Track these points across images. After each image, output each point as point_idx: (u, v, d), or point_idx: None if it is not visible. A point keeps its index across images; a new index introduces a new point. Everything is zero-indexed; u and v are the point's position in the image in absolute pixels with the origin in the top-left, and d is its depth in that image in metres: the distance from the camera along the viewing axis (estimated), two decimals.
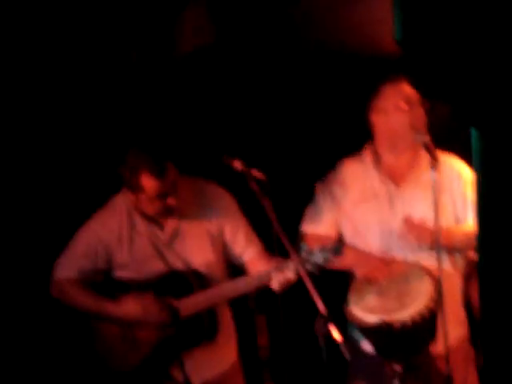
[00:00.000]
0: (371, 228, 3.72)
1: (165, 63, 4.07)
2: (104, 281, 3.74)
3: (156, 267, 3.69)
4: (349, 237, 3.77)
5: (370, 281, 3.61)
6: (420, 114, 3.69)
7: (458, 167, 3.73)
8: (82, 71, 4.13)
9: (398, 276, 3.60)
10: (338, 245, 3.50)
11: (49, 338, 4.30)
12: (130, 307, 3.62)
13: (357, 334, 3.68)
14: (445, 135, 3.75)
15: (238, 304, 3.80)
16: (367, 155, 3.80)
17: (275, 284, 3.52)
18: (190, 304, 3.62)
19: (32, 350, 4.29)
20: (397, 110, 3.66)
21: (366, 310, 3.51)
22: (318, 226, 3.79)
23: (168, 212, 3.63)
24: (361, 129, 3.84)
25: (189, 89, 4.24)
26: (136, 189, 3.56)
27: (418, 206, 3.68)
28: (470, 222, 3.64)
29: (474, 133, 2.69)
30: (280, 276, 3.50)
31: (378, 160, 3.77)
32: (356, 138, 3.97)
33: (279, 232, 3.39)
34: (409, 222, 3.63)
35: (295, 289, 3.48)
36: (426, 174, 3.64)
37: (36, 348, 4.30)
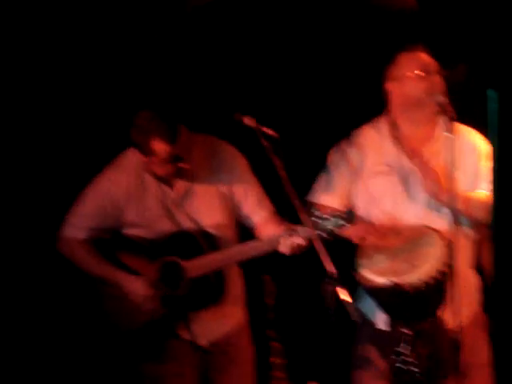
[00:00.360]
0: (385, 198, 3.66)
1: (176, 16, 4.02)
2: (112, 237, 3.72)
3: (165, 226, 3.66)
4: (363, 204, 3.71)
5: (379, 245, 3.57)
6: (437, 82, 3.60)
7: (474, 140, 3.64)
8: (95, 25, 4.08)
9: (409, 238, 3.55)
10: (350, 212, 3.46)
11: (56, 292, 4.31)
12: (138, 289, 3.60)
13: (366, 306, 3.65)
14: (459, 106, 3.68)
15: (247, 263, 3.75)
16: (384, 124, 3.73)
17: (285, 248, 3.49)
18: (197, 265, 3.59)
19: (39, 307, 4.30)
20: (413, 78, 3.58)
21: (376, 272, 3.46)
22: (329, 196, 3.72)
23: (179, 174, 3.59)
24: (376, 95, 3.78)
25: (201, 43, 4.17)
26: (147, 152, 3.52)
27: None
28: (477, 194, 3.56)
29: (491, 94, 2.66)
30: (290, 241, 3.47)
31: (394, 130, 3.70)
32: (371, 103, 3.93)
33: (290, 192, 3.35)
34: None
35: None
36: (439, 144, 3.58)
37: (43, 304, 4.31)
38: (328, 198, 3.71)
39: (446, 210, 3.52)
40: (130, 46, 4.14)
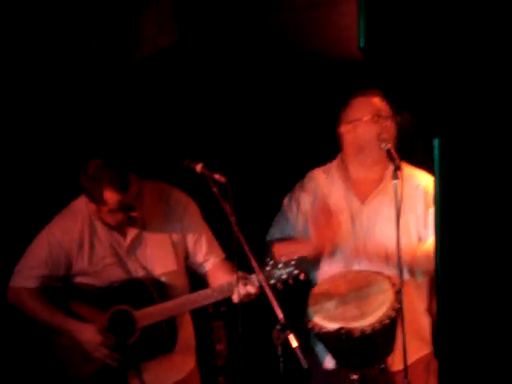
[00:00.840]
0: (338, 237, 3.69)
1: (127, 64, 4.02)
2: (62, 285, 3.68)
3: (116, 275, 3.64)
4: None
5: (329, 292, 3.59)
6: (389, 127, 3.67)
7: (425, 183, 3.69)
8: (42, 71, 4.06)
9: (358, 284, 3.58)
10: (302, 261, 3.47)
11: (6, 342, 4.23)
12: (89, 337, 3.56)
13: (319, 351, 3.66)
14: (409, 148, 3.74)
15: (197, 310, 3.74)
16: (335, 167, 3.80)
17: (236, 297, 3.48)
18: (149, 314, 3.57)
19: None
20: (365, 122, 3.65)
21: (325, 317, 3.48)
22: (287, 232, 3.78)
23: (130, 223, 3.59)
24: (329, 138, 3.82)
25: (150, 90, 4.18)
26: (98, 201, 3.50)
27: (381, 224, 3.66)
28: (431, 241, 3.61)
29: (436, 143, 2.69)
30: (243, 289, 3.46)
31: (345, 173, 3.76)
32: (323, 147, 3.96)
33: (240, 239, 3.35)
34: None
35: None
36: (387, 191, 3.64)
37: None
38: (287, 232, 3.77)
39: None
40: (79, 93, 4.12)
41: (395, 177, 3.43)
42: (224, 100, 4.34)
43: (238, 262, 3.45)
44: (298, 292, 3.60)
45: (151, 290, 3.60)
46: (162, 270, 3.65)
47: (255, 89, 4.32)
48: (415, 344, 3.57)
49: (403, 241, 3.49)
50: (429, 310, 3.77)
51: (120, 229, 3.63)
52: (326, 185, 3.78)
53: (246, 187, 3.95)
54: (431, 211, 3.63)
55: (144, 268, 3.65)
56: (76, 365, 3.63)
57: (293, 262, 3.45)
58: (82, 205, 3.65)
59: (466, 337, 2.66)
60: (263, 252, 3.70)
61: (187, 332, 3.77)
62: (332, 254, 3.71)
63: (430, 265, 3.52)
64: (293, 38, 4.16)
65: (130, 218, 3.55)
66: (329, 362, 3.65)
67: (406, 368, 3.39)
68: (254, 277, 3.44)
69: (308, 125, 4.45)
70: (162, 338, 3.60)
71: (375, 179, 3.73)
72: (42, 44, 4.02)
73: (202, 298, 3.58)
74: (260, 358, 4.10)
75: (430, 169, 3.63)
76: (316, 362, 3.68)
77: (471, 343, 2.65)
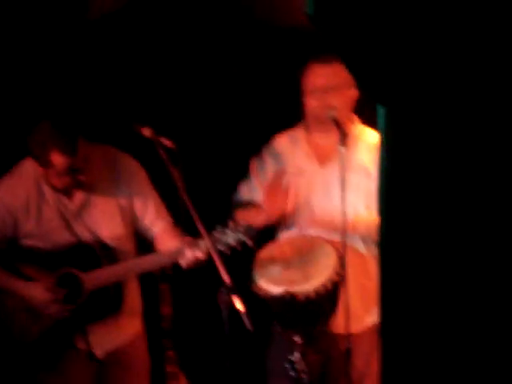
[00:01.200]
0: (296, 204, 3.75)
1: (77, 27, 3.98)
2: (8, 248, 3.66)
3: (64, 238, 3.63)
4: None
5: (274, 257, 3.64)
6: (347, 94, 3.70)
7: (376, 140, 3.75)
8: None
9: (303, 249, 3.64)
10: (250, 228, 3.51)
11: None
12: (37, 294, 3.56)
13: None
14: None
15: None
16: (299, 132, 3.85)
17: (184, 262, 3.51)
18: (96, 278, 3.57)
19: None
20: (320, 90, 3.67)
21: (270, 281, 3.54)
22: (254, 194, 3.82)
23: (77, 186, 3.58)
24: (281, 105, 3.83)
25: (99, 53, 4.15)
26: (45, 164, 3.49)
27: (336, 188, 3.67)
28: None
29: (380, 110, 2.72)
30: (190, 254, 3.49)
31: (309, 137, 3.81)
32: (274, 115, 3.98)
33: (188, 204, 3.39)
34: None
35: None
36: (353, 154, 3.70)
37: None
38: (249, 193, 3.82)
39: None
40: (30, 53, 4.07)
41: (341, 143, 3.49)
42: (176, 63, 4.33)
43: (185, 227, 3.49)
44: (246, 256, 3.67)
45: (98, 253, 3.60)
46: (109, 234, 3.66)
47: (207, 52, 4.31)
48: (365, 308, 3.63)
49: (359, 207, 3.61)
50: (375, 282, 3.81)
51: (67, 192, 3.62)
52: (289, 149, 3.83)
53: (196, 152, 3.96)
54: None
55: (91, 231, 3.65)
56: (23, 326, 3.63)
57: (241, 228, 3.50)
58: (29, 167, 3.63)
59: (407, 315, 2.70)
60: (225, 212, 3.72)
61: (133, 294, 3.78)
62: (285, 222, 3.77)
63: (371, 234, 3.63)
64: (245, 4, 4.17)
65: (77, 181, 3.54)
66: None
67: (348, 333, 3.47)
68: (201, 242, 3.46)
69: (261, 92, 4.46)
70: (109, 300, 3.62)
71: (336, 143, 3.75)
72: None
73: (150, 262, 3.62)
74: (205, 321, 4.16)
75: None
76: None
77: (414, 321, 2.68)
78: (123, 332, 3.75)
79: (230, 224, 3.52)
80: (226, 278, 3.26)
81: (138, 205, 3.71)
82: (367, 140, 3.78)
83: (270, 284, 3.52)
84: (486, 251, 2.52)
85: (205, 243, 3.44)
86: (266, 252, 3.70)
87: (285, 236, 3.80)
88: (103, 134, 3.82)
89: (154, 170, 3.68)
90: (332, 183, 3.71)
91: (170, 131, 3.53)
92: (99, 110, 4.21)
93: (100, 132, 3.75)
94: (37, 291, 3.57)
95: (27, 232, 3.63)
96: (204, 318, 4.17)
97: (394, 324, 2.67)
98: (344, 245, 3.49)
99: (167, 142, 3.45)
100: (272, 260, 3.63)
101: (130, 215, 3.72)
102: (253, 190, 3.85)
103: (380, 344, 3.06)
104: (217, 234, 3.48)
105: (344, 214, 3.48)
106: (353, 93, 3.72)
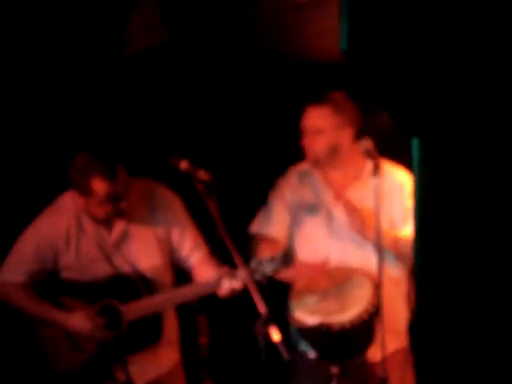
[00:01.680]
0: (316, 237, 3.77)
1: (113, 63, 4.04)
2: (49, 280, 3.71)
3: (103, 270, 3.67)
4: (297, 240, 3.82)
5: (310, 287, 3.66)
6: (345, 134, 3.73)
7: (402, 178, 3.78)
8: (30, 70, 4.07)
9: (339, 280, 3.65)
10: (287, 256, 3.53)
11: None
12: (78, 323, 3.60)
13: (302, 344, 3.72)
14: (387, 146, 3.81)
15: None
16: (312, 166, 3.84)
17: (224, 292, 3.53)
18: (135, 309, 3.61)
19: None
20: (314, 131, 3.72)
21: (306, 312, 3.55)
22: (268, 227, 3.83)
23: (118, 215, 3.61)
24: None
25: (137, 89, 4.22)
26: (86, 192, 3.53)
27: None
28: (405, 232, 3.67)
29: (415, 142, 2.75)
30: (227, 284, 3.51)
31: (321, 172, 3.83)
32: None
33: (224, 235, 3.41)
34: None
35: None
36: (365, 186, 3.72)
37: None
38: (267, 228, 3.82)
39: (371, 248, 3.64)
40: (68, 89, 4.14)
41: (375, 173, 3.51)
42: (210, 98, 4.38)
43: (222, 257, 3.52)
44: (280, 287, 3.69)
45: (138, 285, 3.64)
46: (148, 266, 3.69)
47: (240, 88, 4.36)
48: (392, 337, 3.61)
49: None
50: (407, 305, 3.81)
51: (108, 222, 3.66)
52: (304, 181, 3.85)
53: (231, 184, 4.00)
54: (408, 205, 3.67)
55: (130, 263, 3.68)
56: (63, 357, 3.67)
57: (277, 259, 3.51)
58: (68, 200, 3.68)
59: (442, 330, 2.72)
60: (247, 246, 3.75)
61: (171, 325, 3.81)
62: None
63: (400, 251, 3.63)
64: (276, 39, 4.21)
65: (118, 209, 3.57)
66: (311, 353, 3.71)
67: (383, 361, 3.47)
68: (238, 272, 3.48)
69: (289, 123, 4.50)
70: (148, 331, 3.65)
71: (349, 177, 3.81)
72: (30, 41, 4.04)
73: (188, 293, 3.65)
74: (243, 351, 4.17)
75: (409, 169, 3.72)
76: (298, 353, 3.74)
77: (446, 336, 2.71)
78: (162, 363, 3.77)
79: (266, 255, 3.55)
80: (262, 308, 3.28)
81: (175, 235, 3.74)
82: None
83: (306, 314, 3.54)
84: None
85: (241, 274, 3.46)
86: (302, 282, 3.71)
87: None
88: (141, 168, 3.86)
89: (192, 202, 3.72)
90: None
91: (205, 163, 3.57)
92: (137, 144, 4.26)
93: (138, 166, 3.79)
94: (79, 320, 3.60)
95: (67, 265, 3.68)
96: (241, 349, 4.19)
97: (430, 344, 2.72)
98: (380, 275, 3.50)
99: (203, 175, 3.49)
100: (308, 291, 3.65)
101: (167, 246, 3.75)
102: (270, 216, 3.84)
103: (413, 364, 3.10)
104: (254, 265, 3.50)
105: (380, 243, 3.49)
106: (348, 132, 3.75)
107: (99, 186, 3.50)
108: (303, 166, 3.88)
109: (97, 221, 3.66)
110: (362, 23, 2.65)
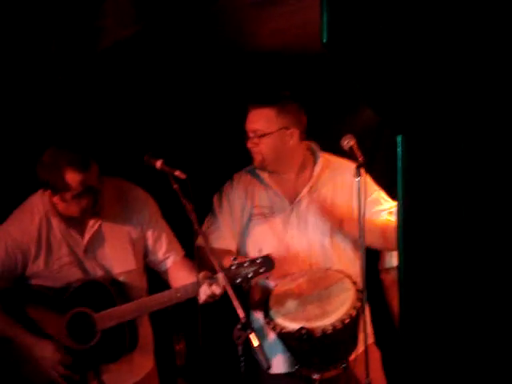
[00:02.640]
0: (268, 243, 3.68)
1: (86, 56, 3.93)
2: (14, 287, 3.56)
3: (74, 274, 3.54)
4: (252, 244, 3.73)
5: (289, 292, 3.55)
6: (290, 136, 3.64)
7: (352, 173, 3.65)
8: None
9: (319, 283, 3.57)
10: (267, 259, 3.42)
11: None
12: (46, 355, 3.46)
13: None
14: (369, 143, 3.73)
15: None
16: (259, 170, 3.77)
17: (203, 296, 3.41)
18: (109, 317, 3.48)
19: None
20: (258, 135, 3.62)
21: (287, 317, 3.45)
22: (219, 240, 3.73)
23: (95, 210, 3.47)
24: None
25: (108, 84, 4.09)
26: (60, 188, 3.38)
27: (312, 221, 3.67)
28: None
29: (399, 140, 2.69)
30: (207, 289, 3.39)
31: (270, 175, 3.75)
32: None
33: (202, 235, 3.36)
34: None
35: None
36: (318, 187, 3.69)
37: None
38: (218, 241, 3.72)
39: (340, 237, 3.63)
40: (35, 87, 4.01)
41: (358, 174, 3.39)
42: (183, 95, 4.26)
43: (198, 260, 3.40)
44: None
45: (110, 290, 3.51)
46: (121, 269, 3.57)
47: (214, 83, 4.25)
48: (361, 336, 3.53)
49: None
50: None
51: (80, 223, 3.52)
52: (255, 184, 3.77)
53: (207, 183, 3.88)
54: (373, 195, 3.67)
55: (102, 267, 3.56)
56: (33, 367, 3.52)
57: (258, 261, 3.41)
58: (38, 202, 3.54)
59: (427, 329, 2.70)
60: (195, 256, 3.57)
61: (146, 331, 3.71)
62: None
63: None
64: (254, 32, 4.11)
65: (95, 203, 3.43)
66: (276, 367, 3.62)
67: (367, 367, 3.35)
68: (219, 277, 3.37)
69: None
70: (124, 339, 3.53)
71: (300, 180, 3.74)
72: None
73: (166, 298, 3.50)
74: (220, 357, 4.07)
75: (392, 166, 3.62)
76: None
77: (432, 335, 2.69)
78: (137, 370, 3.66)
79: (247, 258, 3.44)
80: (241, 313, 3.17)
81: (149, 238, 3.63)
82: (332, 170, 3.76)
83: (287, 320, 3.43)
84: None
85: (221, 278, 3.34)
86: (281, 287, 3.61)
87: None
88: (113, 167, 3.73)
89: (166, 202, 3.60)
90: (306, 217, 3.67)
91: (180, 162, 3.45)
92: (109, 142, 4.13)
93: (110, 164, 3.65)
94: (47, 351, 3.47)
95: (37, 270, 3.53)
96: (219, 356, 4.08)
97: (417, 343, 2.72)
98: (363, 276, 3.38)
99: (179, 174, 3.37)
100: (288, 295, 3.54)
101: (141, 249, 3.64)
102: (219, 229, 3.74)
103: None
104: (234, 267, 3.40)
105: (362, 241, 3.35)
106: (294, 133, 3.65)
107: (73, 177, 3.35)
108: (249, 170, 3.80)
109: (67, 222, 3.51)
110: (342, 15, 2.58)
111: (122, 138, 4.21)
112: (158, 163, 3.42)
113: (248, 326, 3.14)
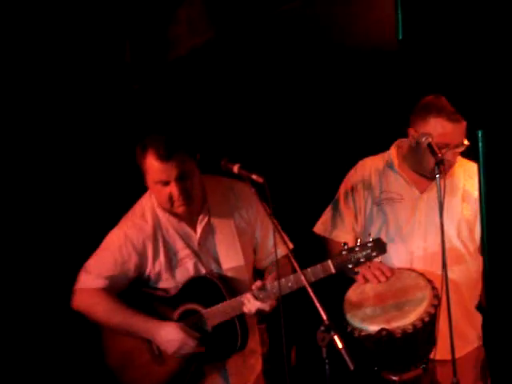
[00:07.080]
0: (395, 228, 3.70)
1: (160, 64, 3.97)
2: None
3: (192, 268, 3.54)
4: (375, 230, 3.73)
5: (365, 297, 3.53)
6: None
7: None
8: (75, 72, 4.01)
9: (394, 284, 3.53)
10: (379, 242, 3.36)
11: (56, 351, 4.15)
12: (172, 335, 3.46)
13: None
14: None
15: None
16: (395, 157, 3.78)
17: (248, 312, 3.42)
18: (219, 312, 3.48)
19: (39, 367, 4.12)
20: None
21: (365, 320, 3.42)
22: (337, 230, 3.76)
23: (187, 202, 3.44)
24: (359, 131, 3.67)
25: (184, 90, 4.13)
26: (143, 169, 3.41)
27: (436, 216, 3.55)
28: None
29: (479, 134, 2.64)
30: (252, 305, 3.39)
31: (403, 165, 3.75)
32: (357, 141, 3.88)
33: (283, 237, 3.30)
34: None
35: (296, 298, 3.37)
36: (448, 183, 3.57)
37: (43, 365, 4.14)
38: (339, 233, 3.75)
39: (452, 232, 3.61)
40: (111, 96, 4.08)
41: (437, 171, 3.35)
42: (261, 98, 4.27)
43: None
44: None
45: (219, 285, 3.50)
46: (230, 265, 3.57)
47: (290, 85, 4.25)
48: (463, 339, 3.51)
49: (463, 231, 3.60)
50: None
51: (190, 217, 3.51)
52: (383, 172, 3.77)
53: (285, 186, 3.88)
54: None
55: (215, 260, 3.56)
56: (140, 370, 3.54)
57: (369, 245, 3.36)
58: (147, 201, 3.58)
59: None
60: (315, 245, 3.63)
61: (254, 332, 3.69)
62: None
63: None
64: (328, 31, 4.10)
65: (185, 197, 3.41)
66: None
67: (454, 367, 3.31)
68: (292, 277, 3.35)
69: (342, 119, 4.39)
70: (236, 336, 3.50)
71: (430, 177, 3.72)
72: (75, 46, 3.98)
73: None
74: (304, 360, 4.06)
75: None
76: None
77: None
78: (255, 371, 3.68)
79: (358, 241, 3.38)
80: (323, 315, 3.15)
81: (259, 231, 3.63)
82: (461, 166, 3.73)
83: (365, 323, 3.41)
84: None
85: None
86: (355, 290, 3.59)
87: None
88: None
89: None
90: (432, 211, 3.63)
91: (258, 166, 3.46)
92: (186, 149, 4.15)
93: None
94: (173, 333, 3.46)
95: (159, 269, 3.54)
96: (303, 358, 4.07)
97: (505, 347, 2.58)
98: (445, 270, 3.36)
99: (256, 177, 3.36)
100: (363, 298, 3.52)
101: (250, 244, 3.63)
102: (341, 219, 3.76)
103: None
104: (345, 253, 3.35)
105: (443, 242, 3.35)
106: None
107: (151, 163, 3.36)
108: (383, 156, 3.82)
109: (179, 217, 3.52)
110: (417, 12, 2.54)
111: (200, 144, 4.24)
112: (235, 168, 3.40)
113: (331, 327, 3.12)
